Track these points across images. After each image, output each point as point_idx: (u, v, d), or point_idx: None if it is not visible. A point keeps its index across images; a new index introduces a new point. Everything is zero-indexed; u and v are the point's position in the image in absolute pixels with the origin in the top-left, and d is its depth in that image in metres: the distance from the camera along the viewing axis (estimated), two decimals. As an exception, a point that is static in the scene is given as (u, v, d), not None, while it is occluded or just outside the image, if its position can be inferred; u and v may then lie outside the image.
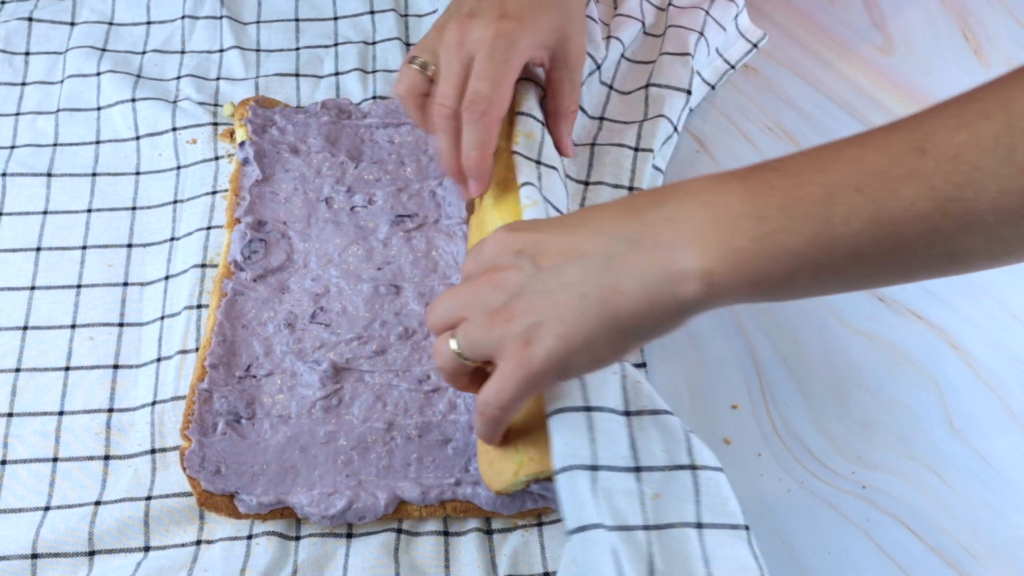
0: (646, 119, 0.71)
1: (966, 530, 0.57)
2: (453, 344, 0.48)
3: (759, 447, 0.60)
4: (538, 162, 0.60)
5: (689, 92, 0.73)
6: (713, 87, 0.77)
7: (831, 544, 0.56)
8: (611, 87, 0.74)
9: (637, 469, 0.48)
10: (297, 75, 0.77)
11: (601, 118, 0.72)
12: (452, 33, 0.59)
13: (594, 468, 0.47)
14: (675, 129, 0.72)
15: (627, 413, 0.50)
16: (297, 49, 0.79)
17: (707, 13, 0.76)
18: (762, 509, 0.57)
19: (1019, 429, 0.61)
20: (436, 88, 0.60)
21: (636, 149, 0.69)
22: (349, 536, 0.56)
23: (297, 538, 0.56)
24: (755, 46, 0.79)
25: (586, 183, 0.68)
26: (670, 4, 0.78)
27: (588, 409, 0.49)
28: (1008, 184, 0.38)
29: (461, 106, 0.58)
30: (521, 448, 0.51)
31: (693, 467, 0.49)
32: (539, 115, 0.63)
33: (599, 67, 0.73)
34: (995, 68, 0.79)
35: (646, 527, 0.47)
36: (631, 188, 0.68)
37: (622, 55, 0.75)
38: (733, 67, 0.78)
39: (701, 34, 0.75)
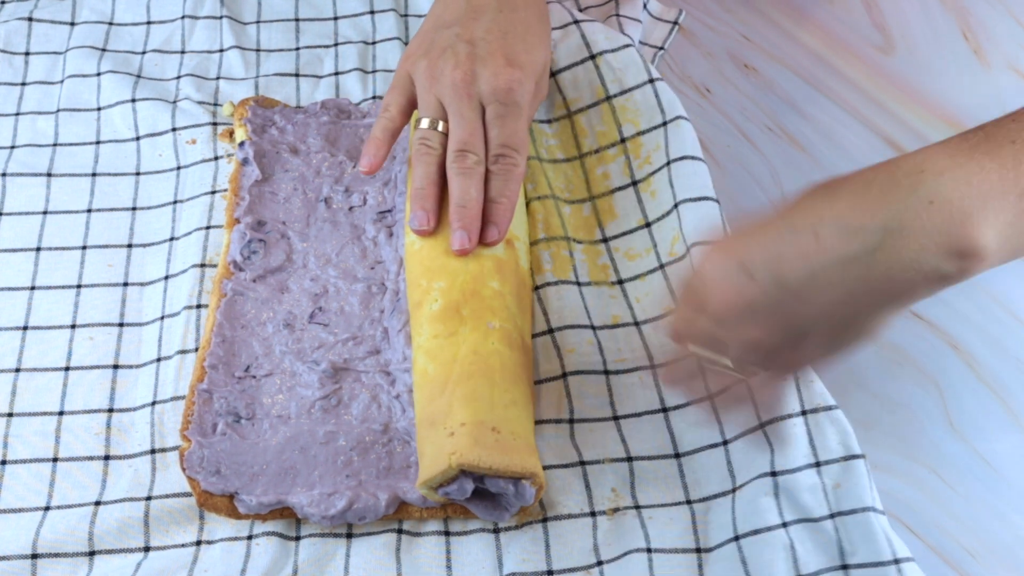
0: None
1: (966, 530, 0.57)
2: (727, 361, 0.49)
3: (759, 447, 0.60)
4: None
5: None
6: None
7: (831, 544, 0.56)
8: None
9: (817, 464, 0.53)
10: (297, 75, 0.77)
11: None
12: (457, 75, 0.60)
13: (773, 475, 0.53)
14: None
15: (803, 413, 0.55)
16: (297, 49, 0.79)
17: (618, 16, 0.78)
18: (762, 509, 0.57)
19: (1019, 429, 0.61)
20: (453, 137, 0.61)
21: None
22: (349, 536, 0.56)
23: (297, 538, 0.56)
24: (676, 23, 0.80)
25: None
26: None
27: (762, 425, 0.55)
28: None
29: (487, 157, 0.61)
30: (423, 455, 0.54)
31: (863, 456, 0.53)
32: None
33: None
34: (995, 68, 0.79)
35: (831, 515, 0.52)
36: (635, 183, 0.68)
37: None
38: (663, 48, 0.79)
39: (623, 33, 0.76)
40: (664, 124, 0.67)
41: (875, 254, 0.43)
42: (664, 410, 0.59)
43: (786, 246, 0.45)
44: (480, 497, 0.54)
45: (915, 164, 0.44)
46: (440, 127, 0.61)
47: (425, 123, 0.62)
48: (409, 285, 0.60)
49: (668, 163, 0.66)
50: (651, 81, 0.69)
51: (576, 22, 0.73)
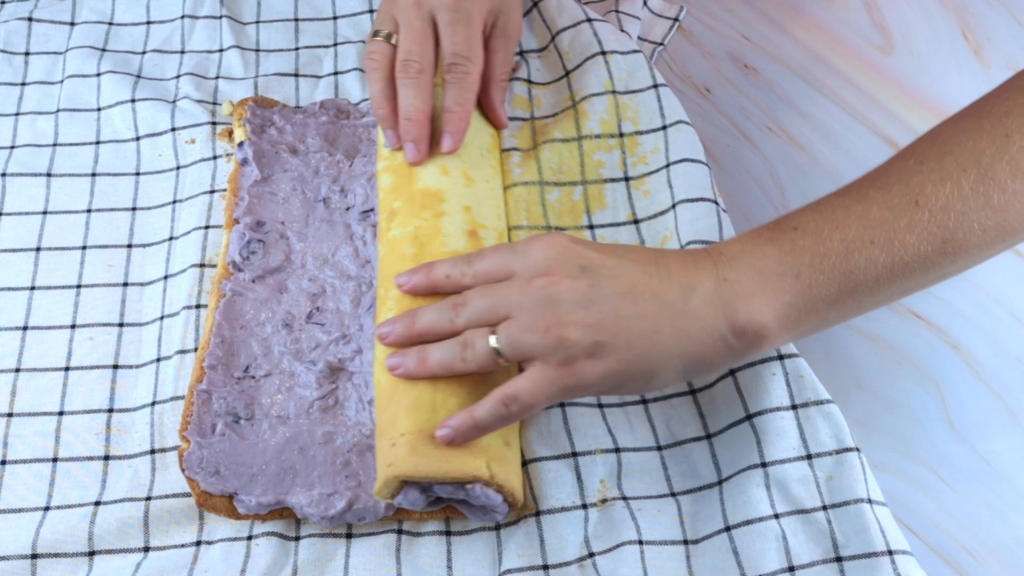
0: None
1: (966, 530, 0.57)
2: (493, 341, 0.50)
3: (759, 447, 0.60)
4: None
5: None
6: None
7: (831, 544, 0.56)
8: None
9: (808, 457, 0.53)
10: (296, 75, 0.77)
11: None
12: None
13: (763, 466, 0.53)
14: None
15: (794, 407, 0.55)
16: (296, 49, 0.79)
17: (617, 12, 0.78)
18: (762, 509, 0.57)
19: (1019, 429, 0.61)
20: (400, 48, 0.62)
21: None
22: (349, 536, 0.56)
23: (297, 538, 0.56)
24: (676, 20, 0.80)
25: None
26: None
27: (749, 417, 0.55)
28: (987, 222, 0.48)
29: (440, 66, 0.62)
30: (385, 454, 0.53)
31: (857, 449, 0.54)
32: None
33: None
34: (995, 68, 0.79)
35: (824, 507, 0.52)
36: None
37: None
38: (662, 44, 0.79)
39: (621, 30, 0.76)
40: (664, 128, 0.67)
41: (685, 304, 0.49)
42: (644, 402, 0.59)
43: (621, 266, 0.50)
44: (467, 502, 0.54)
45: (720, 248, 0.51)
46: (394, 40, 0.63)
47: (374, 35, 0.64)
48: (377, 294, 0.60)
49: (667, 165, 0.66)
50: (655, 86, 0.69)
51: (588, 20, 0.73)
